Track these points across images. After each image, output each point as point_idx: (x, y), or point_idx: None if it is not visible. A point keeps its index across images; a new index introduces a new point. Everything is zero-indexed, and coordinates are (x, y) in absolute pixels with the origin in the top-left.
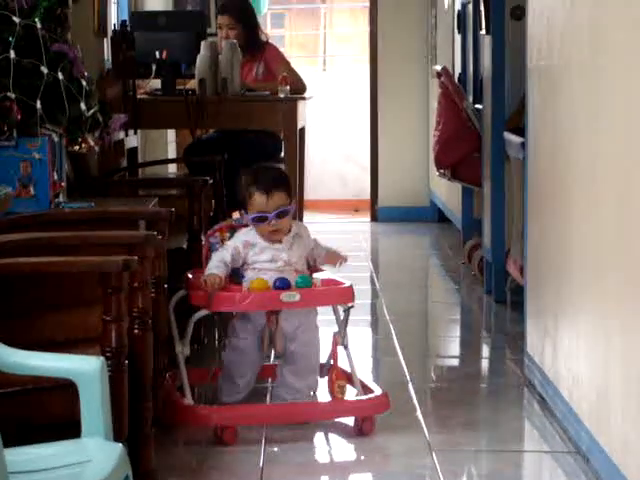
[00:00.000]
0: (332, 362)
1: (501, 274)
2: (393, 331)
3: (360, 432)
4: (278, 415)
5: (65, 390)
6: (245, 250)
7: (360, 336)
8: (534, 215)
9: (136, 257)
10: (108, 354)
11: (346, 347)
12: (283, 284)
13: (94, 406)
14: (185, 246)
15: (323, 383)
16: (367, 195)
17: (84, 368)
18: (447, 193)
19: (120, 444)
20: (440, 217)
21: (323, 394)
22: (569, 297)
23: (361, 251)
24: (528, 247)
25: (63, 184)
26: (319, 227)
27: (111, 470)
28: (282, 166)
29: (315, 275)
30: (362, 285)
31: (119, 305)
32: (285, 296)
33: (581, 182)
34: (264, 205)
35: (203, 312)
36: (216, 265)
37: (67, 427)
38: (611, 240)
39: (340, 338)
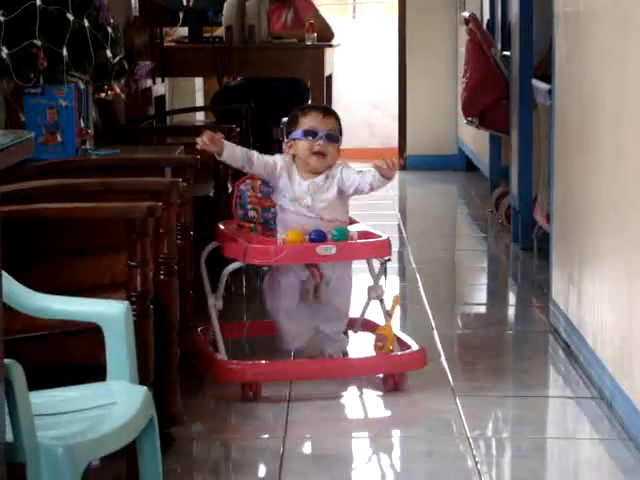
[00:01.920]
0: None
1: (528, 222)
2: (419, 279)
3: (393, 388)
4: (312, 371)
5: (91, 334)
6: (281, 172)
7: (388, 284)
8: (561, 163)
9: (160, 203)
10: (133, 299)
11: (382, 301)
12: (319, 237)
13: (119, 350)
14: (212, 194)
15: (355, 338)
16: (395, 143)
17: (109, 312)
18: (475, 141)
19: (145, 387)
20: (468, 165)
21: (355, 349)
22: (594, 244)
23: (388, 200)
24: (555, 194)
25: (90, 131)
26: None
27: (136, 412)
28: None
29: (351, 227)
30: (390, 233)
31: (144, 250)
32: (321, 249)
33: (607, 129)
34: (318, 122)
35: (236, 264)
36: (231, 144)
37: (93, 371)
38: (636, 188)
39: (374, 292)
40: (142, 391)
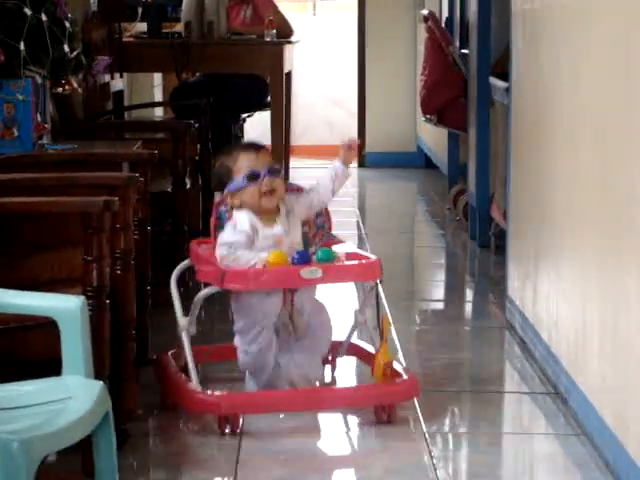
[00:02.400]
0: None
1: (485, 219)
2: None
3: (386, 419)
4: (295, 402)
5: (47, 329)
6: (253, 234)
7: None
8: (517, 160)
9: (117, 198)
10: (90, 293)
11: (375, 327)
12: (303, 258)
13: (75, 344)
14: (169, 189)
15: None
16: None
17: (65, 306)
18: (434, 139)
19: (101, 382)
20: (427, 163)
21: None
22: (550, 241)
23: (348, 197)
24: (511, 192)
25: (47, 126)
26: (306, 172)
27: (91, 407)
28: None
29: (336, 248)
30: (348, 230)
31: (100, 245)
32: (306, 272)
33: (563, 127)
34: (253, 162)
35: (212, 289)
36: (248, 253)
37: (48, 366)
38: (591, 185)
39: (361, 316)
40: (98, 386)
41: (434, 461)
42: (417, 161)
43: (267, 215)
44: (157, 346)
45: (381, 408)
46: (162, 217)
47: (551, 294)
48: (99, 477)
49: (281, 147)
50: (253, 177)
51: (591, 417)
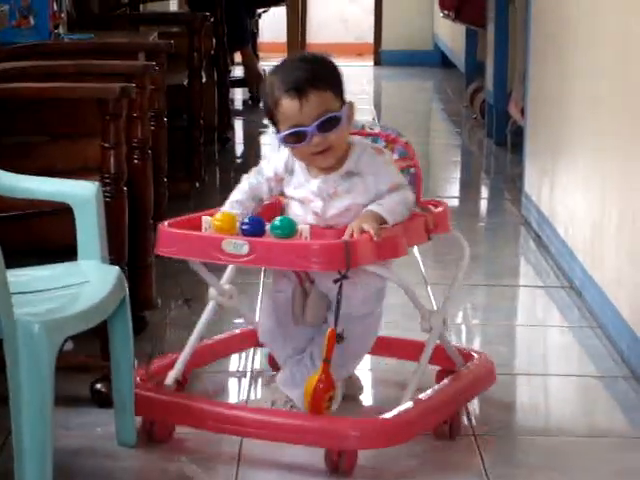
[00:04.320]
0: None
1: (502, 116)
2: None
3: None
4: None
5: (63, 215)
6: (283, 176)
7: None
8: (536, 56)
9: (134, 85)
10: (107, 180)
11: (340, 339)
12: (254, 227)
13: (90, 230)
14: (185, 83)
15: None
16: (370, 39)
17: (79, 192)
18: (451, 36)
19: (117, 267)
20: (444, 61)
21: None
22: (568, 136)
23: (364, 94)
24: (529, 88)
25: (63, 15)
26: None
27: (109, 291)
28: (284, 11)
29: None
30: None
31: (117, 132)
32: (228, 244)
33: (583, 22)
34: (297, 114)
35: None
36: (231, 202)
37: (64, 253)
38: (610, 78)
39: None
40: (114, 271)
41: None
42: (434, 59)
43: (320, 170)
44: None
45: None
46: (178, 111)
47: (569, 189)
48: (115, 362)
49: (296, 44)
50: (297, 138)
51: (606, 310)
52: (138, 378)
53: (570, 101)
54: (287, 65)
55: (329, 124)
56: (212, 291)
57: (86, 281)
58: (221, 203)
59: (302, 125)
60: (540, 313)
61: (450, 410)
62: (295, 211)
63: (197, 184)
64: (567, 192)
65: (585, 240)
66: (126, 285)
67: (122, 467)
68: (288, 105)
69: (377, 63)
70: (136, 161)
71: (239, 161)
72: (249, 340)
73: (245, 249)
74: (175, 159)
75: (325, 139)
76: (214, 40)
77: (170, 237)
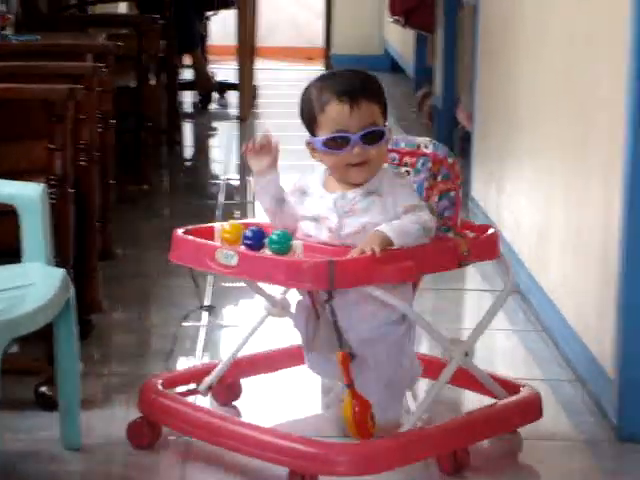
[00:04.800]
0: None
1: (451, 122)
2: None
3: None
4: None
5: (7, 217)
6: (293, 198)
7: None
8: (484, 62)
9: (82, 86)
10: (53, 182)
11: (352, 357)
12: (254, 239)
13: (35, 232)
14: (134, 85)
15: None
16: (320, 43)
17: (25, 193)
18: (401, 41)
19: (62, 269)
20: (393, 66)
21: None
22: (514, 142)
23: None
24: (477, 94)
25: (10, 16)
26: (272, 74)
27: (54, 294)
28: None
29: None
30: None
31: (64, 134)
32: (220, 254)
33: (530, 30)
34: (345, 119)
35: None
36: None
37: (9, 256)
38: (556, 87)
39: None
40: (59, 273)
41: None
42: (384, 64)
43: (344, 184)
44: (120, 242)
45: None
46: (126, 114)
47: (514, 195)
48: (60, 365)
49: (247, 48)
50: (337, 143)
51: (551, 314)
52: (160, 383)
53: (517, 107)
54: (339, 73)
55: (373, 137)
56: (265, 303)
57: (31, 283)
58: (171, 206)
59: (347, 131)
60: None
61: (453, 444)
62: (308, 231)
63: (145, 187)
64: (513, 198)
65: (530, 245)
66: (71, 287)
67: (67, 470)
68: (338, 109)
69: (328, 67)
70: (82, 163)
71: (188, 164)
72: (299, 358)
73: (234, 260)
74: (123, 162)
75: (366, 151)
76: (163, 42)
77: (176, 243)
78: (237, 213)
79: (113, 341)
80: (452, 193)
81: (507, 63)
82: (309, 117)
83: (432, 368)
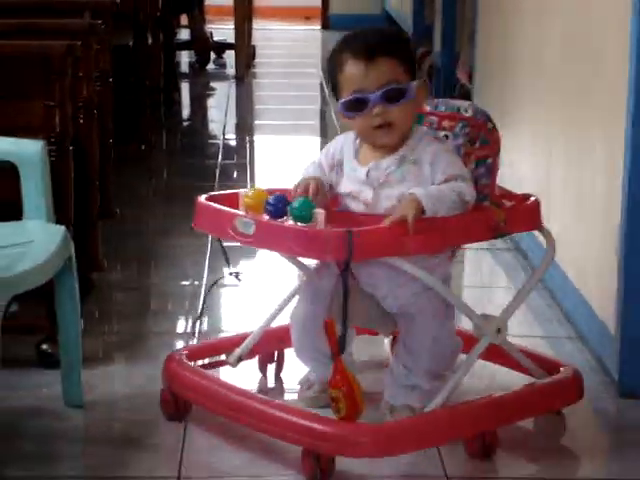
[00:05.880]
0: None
1: (450, 79)
2: None
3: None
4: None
5: (8, 174)
6: (330, 169)
7: (307, 141)
8: (484, 19)
9: (79, 43)
10: (52, 139)
11: (341, 351)
12: (276, 207)
13: (35, 188)
14: (131, 44)
15: None
16: (318, 2)
17: (24, 150)
18: (399, 0)
19: (63, 227)
20: (392, 25)
21: None
22: (515, 100)
23: (311, 58)
24: (477, 51)
25: None
26: (269, 34)
27: (54, 251)
28: None
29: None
30: (312, 92)
31: (62, 91)
32: (239, 222)
33: None
34: (362, 78)
35: None
36: (312, 171)
37: (10, 213)
38: (558, 42)
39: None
40: (60, 230)
41: None
42: (382, 23)
43: (377, 150)
44: (119, 202)
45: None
46: (124, 73)
47: (515, 151)
48: (62, 322)
49: (244, 7)
50: (358, 106)
51: (552, 271)
52: (185, 354)
53: (517, 64)
54: (361, 32)
55: (394, 95)
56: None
57: (31, 240)
58: (169, 166)
59: (365, 91)
60: (486, 275)
61: (483, 425)
62: (347, 206)
63: (143, 146)
64: (513, 154)
65: None
66: (72, 245)
67: (68, 427)
68: (353, 68)
69: (325, 27)
70: (82, 121)
71: (186, 124)
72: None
73: (252, 229)
74: (122, 121)
75: (387, 111)
76: (160, 2)
77: (198, 210)
78: (235, 173)
79: (113, 299)
80: (489, 160)
81: (508, 21)
82: (332, 81)
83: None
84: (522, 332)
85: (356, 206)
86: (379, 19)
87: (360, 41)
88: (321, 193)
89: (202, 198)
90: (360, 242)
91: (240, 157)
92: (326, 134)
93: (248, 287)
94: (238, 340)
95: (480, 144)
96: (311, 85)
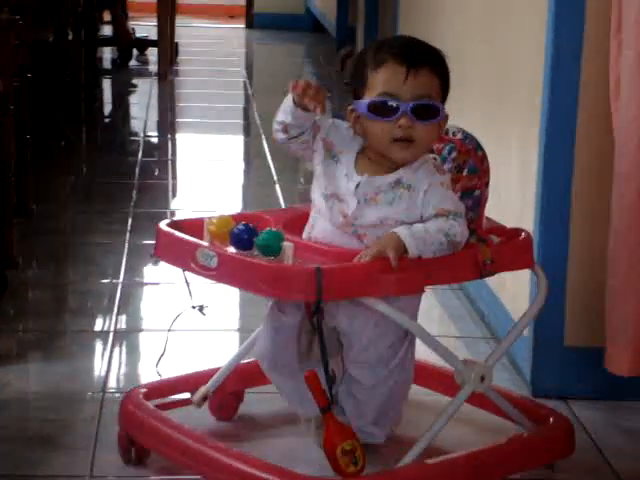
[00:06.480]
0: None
1: None
2: (263, 135)
3: None
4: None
5: None
6: (319, 146)
7: (230, 140)
8: (406, 19)
9: None
10: None
11: (332, 382)
12: (240, 238)
13: None
14: (51, 40)
15: None
16: (242, 0)
17: None
18: (323, 0)
19: None
20: (315, 26)
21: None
22: None
23: (235, 57)
24: None
25: None
26: (193, 32)
27: None
28: None
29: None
30: (235, 90)
31: None
32: (200, 254)
33: None
34: (399, 83)
35: None
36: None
37: None
38: (477, 40)
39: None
40: None
41: None
42: (306, 23)
43: (381, 164)
44: (37, 199)
45: None
46: (43, 69)
47: None
48: None
49: (167, 4)
50: (384, 110)
51: None
52: (142, 393)
53: None
54: (407, 37)
55: (425, 111)
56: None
57: None
58: (89, 163)
59: (398, 98)
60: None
61: None
62: (320, 207)
63: (62, 143)
64: None
65: None
66: None
67: None
68: (393, 70)
69: (249, 26)
70: None
71: (107, 121)
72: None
73: (214, 262)
74: (41, 118)
75: (413, 126)
76: None
77: (159, 238)
78: (156, 171)
79: (28, 298)
80: (477, 192)
81: (430, 19)
82: (359, 78)
83: (423, 375)
84: (437, 332)
85: (330, 212)
86: (303, 19)
87: (407, 45)
88: (322, 94)
89: (163, 224)
90: (330, 281)
91: (161, 155)
92: (249, 133)
93: (214, 320)
94: (204, 377)
95: (468, 173)
96: (235, 83)
